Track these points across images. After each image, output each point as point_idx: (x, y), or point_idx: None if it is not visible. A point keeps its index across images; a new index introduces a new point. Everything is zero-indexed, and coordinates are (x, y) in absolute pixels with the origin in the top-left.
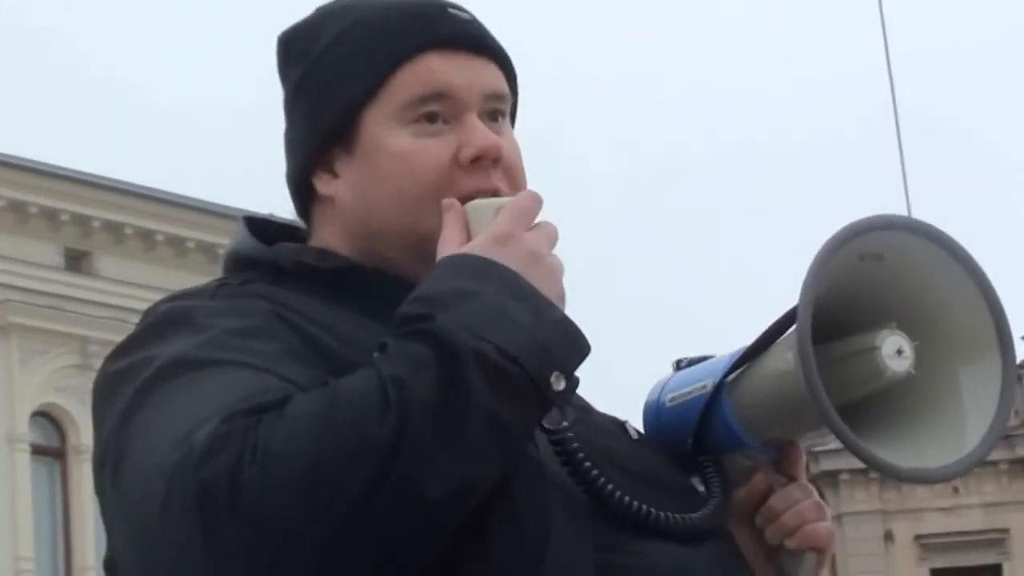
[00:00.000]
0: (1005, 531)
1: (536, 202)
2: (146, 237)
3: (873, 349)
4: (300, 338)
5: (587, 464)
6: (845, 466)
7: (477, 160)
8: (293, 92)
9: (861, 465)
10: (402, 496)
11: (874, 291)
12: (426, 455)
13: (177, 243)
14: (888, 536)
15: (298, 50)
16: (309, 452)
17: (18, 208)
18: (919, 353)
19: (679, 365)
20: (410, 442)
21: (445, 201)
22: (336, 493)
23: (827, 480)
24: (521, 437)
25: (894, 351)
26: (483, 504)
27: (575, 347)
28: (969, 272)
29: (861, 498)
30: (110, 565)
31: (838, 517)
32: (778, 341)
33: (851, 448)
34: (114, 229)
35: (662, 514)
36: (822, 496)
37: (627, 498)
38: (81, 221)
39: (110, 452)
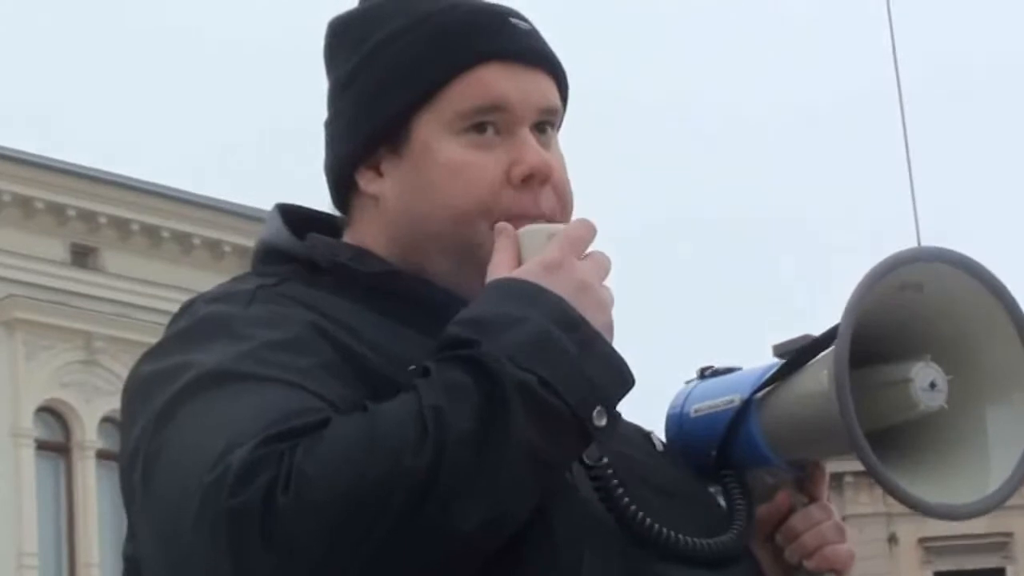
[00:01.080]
0: (1009, 535)
1: (589, 231)
2: (152, 233)
3: (907, 381)
4: (337, 350)
5: (620, 491)
6: (849, 468)
7: (528, 179)
8: (342, 83)
9: None
10: (437, 527)
11: (912, 321)
12: (463, 486)
13: (183, 239)
14: (892, 539)
15: (350, 40)
16: (344, 481)
17: (24, 203)
18: (951, 386)
19: (703, 374)
20: (446, 473)
21: (498, 225)
22: (371, 523)
23: (831, 482)
24: (559, 470)
25: (928, 384)
26: (518, 531)
27: (620, 381)
28: (1008, 310)
29: (865, 501)
30: (132, 562)
31: (842, 519)
32: (812, 362)
33: (878, 480)
34: (120, 225)
35: (692, 540)
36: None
37: (657, 526)
38: (87, 217)
39: (141, 453)
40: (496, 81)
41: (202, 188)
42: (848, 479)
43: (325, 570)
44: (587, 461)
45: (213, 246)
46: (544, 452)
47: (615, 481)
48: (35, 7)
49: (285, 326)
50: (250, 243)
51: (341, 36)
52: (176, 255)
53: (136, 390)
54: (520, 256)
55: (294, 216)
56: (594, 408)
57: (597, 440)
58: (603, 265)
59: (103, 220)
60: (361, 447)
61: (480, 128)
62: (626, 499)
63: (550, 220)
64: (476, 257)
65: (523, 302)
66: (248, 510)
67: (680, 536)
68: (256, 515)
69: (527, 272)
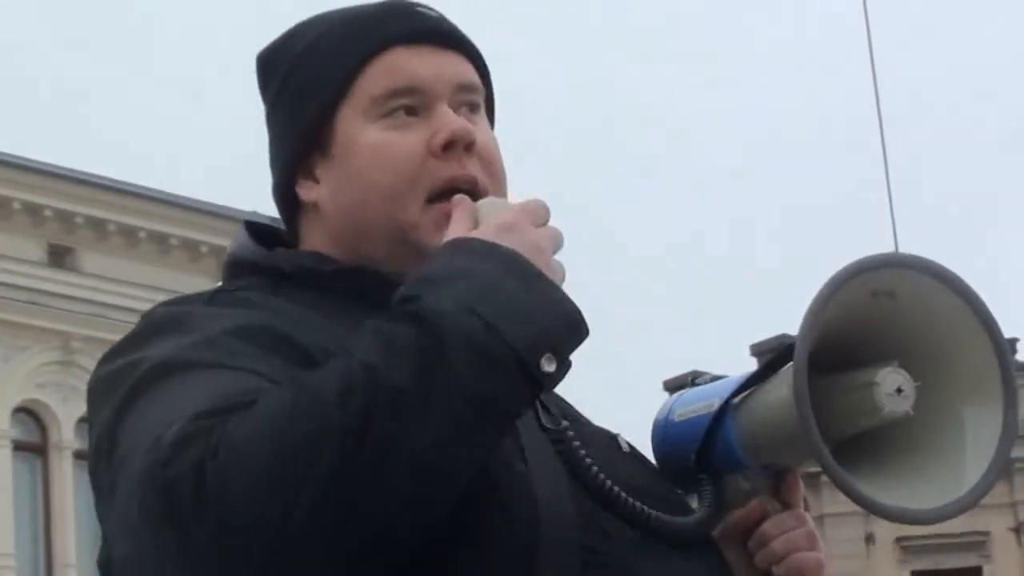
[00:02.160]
0: (986, 533)
1: (545, 209)
2: (129, 234)
3: (872, 385)
4: (288, 347)
5: (588, 461)
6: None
7: (450, 146)
8: (271, 107)
9: None
10: (369, 483)
11: (883, 327)
12: (394, 441)
13: (160, 240)
14: (869, 538)
15: (271, 68)
16: (270, 442)
17: (1, 204)
18: (922, 393)
19: (694, 381)
20: (377, 428)
21: (456, 197)
22: (301, 482)
23: (809, 481)
24: (508, 417)
25: (893, 389)
26: (475, 499)
27: (573, 330)
28: (980, 319)
29: (842, 500)
30: (105, 566)
31: (820, 518)
32: (785, 367)
33: (838, 485)
34: (97, 225)
35: (654, 513)
36: (804, 501)
37: (623, 495)
38: (64, 217)
39: (102, 456)
40: (406, 63)
41: (179, 188)
42: (825, 479)
43: (262, 529)
44: (547, 425)
45: (190, 246)
46: (490, 401)
47: (576, 443)
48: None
49: (239, 319)
50: (227, 243)
51: (266, 65)
52: (153, 255)
53: (94, 392)
54: (478, 226)
55: (262, 233)
56: (542, 354)
57: (545, 387)
58: (556, 237)
59: (80, 220)
60: (286, 408)
61: (404, 111)
62: (594, 468)
63: (481, 187)
64: (410, 239)
65: (475, 257)
66: (180, 479)
67: (644, 508)
68: (188, 482)
69: (482, 232)
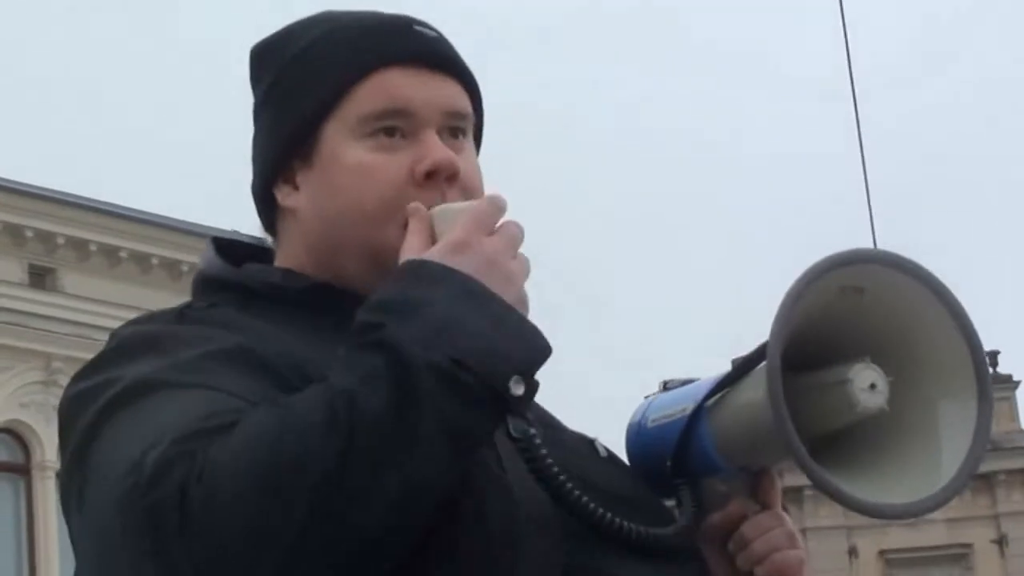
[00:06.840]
0: (968, 546)
1: (496, 207)
2: (110, 254)
3: (846, 382)
4: (263, 368)
5: (555, 470)
6: (808, 482)
7: (432, 175)
8: (260, 103)
9: None
10: (351, 509)
11: (853, 323)
12: (374, 467)
13: (141, 260)
14: (852, 551)
15: (266, 62)
16: (255, 467)
17: None
18: (895, 388)
19: (666, 386)
20: (357, 455)
21: (411, 205)
22: (284, 508)
23: (791, 495)
24: (480, 442)
25: (867, 385)
26: (451, 518)
27: (534, 350)
28: (950, 311)
29: (825, 513)
30: None
31: (802, 532)
32: (756, 368)
33: (815, 482)
34: (79, 246)
35: (629, 526)
36: (786, 511)
37: (594, 506)
38: (45, 238)
39: (74, 475)
40: (398, 85)
41: (160, 209)
42: (808, 492)
43: (246, 558)
44: (515, 434)
45: (171, 266)
46: (460, 426)
47: (543, 451)
48: None
49: (211, 340)
50: None
51: (261, 60)
52: (134, 275)
53: (65, 412)
54: (435, 236)
55: (230, 249)
56: (509, 378)
57: (516, 410)
58: (513, 238)
59: (61, 241)
60: (271, 433)
61: (388, 133)
62: (562, 477)
63: None
64: (385, 261)
65: (430, 284)
66: (163, 504)
67: (618, 520)
68: (171, 508)
69: (435, 253)
